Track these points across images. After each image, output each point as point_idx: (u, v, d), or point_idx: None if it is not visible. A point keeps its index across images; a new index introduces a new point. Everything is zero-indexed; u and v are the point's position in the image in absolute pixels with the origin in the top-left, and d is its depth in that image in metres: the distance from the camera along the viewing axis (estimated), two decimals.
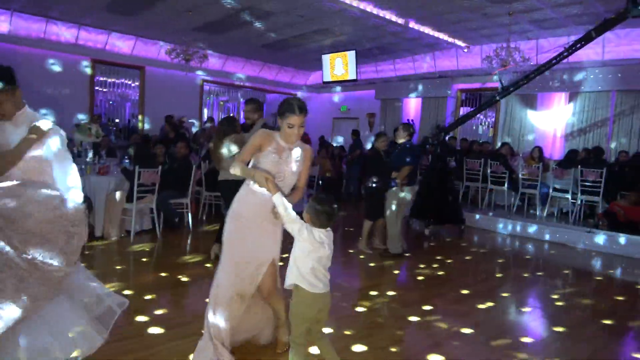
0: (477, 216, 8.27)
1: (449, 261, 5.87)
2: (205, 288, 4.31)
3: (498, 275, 5.51)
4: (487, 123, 12.12)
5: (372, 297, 4.35)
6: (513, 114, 10.78)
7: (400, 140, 5.82)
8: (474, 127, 12.36)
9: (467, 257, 6.22)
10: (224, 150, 4.74)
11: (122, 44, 10.86)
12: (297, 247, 2.47)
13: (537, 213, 8.32)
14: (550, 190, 8.03)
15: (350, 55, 10.87)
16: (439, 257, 6.02)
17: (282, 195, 2.49)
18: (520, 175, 8.35)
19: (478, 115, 11.98)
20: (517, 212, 8.49)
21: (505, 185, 8.56)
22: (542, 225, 7.54)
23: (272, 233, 2.76)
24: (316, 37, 10.16)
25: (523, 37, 9.12)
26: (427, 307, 4.16)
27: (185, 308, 3.94)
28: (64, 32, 9.91)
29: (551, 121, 10.34)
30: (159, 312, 3.70)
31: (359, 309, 4.01)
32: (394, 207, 5.70)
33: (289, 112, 2.58)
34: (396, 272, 5.40)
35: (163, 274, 4.73)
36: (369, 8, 7.99)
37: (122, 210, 5.99)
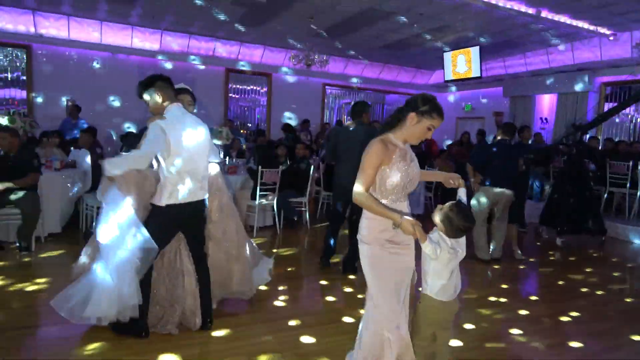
0: (623, 226, 7.26)
1: (580, 276, 5.25)
2: (320, 283, 4.48)
3: None
4: (636, 120, 10.55)
5: (488, 306, 4.08)
6: None
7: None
8: (627, 125, 10.83)
9: (607, 273, 5.48)
10: None
11: (252, 54, 11.70)
12: (435, 262, 2.35)
13: None
14: None
15: (474, 51, 10.31)
16: (570, 271, 5.41)
17: (430, 240, 2.28)
18: None
19: (630, 113, 10.54)
20: None
21: None
22: None
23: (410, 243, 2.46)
24: (437, 34, 9.84)
25: None
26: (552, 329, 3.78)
27: (299, 301, 4.12)
28: (203, 45, 11.02)
29: None
30: (275, 303, 3.92)
31: (468, 325, 3.79)
32: (476, 209, 5.34)
33: (437, 113, 2.31)
34: (513, 283, 4.99)
35: (281, 268, 5.00)
36: (494, 0, 7.50)
37: (246, 207, 6.47)
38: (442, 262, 2.34)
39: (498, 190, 5.30)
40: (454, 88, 13.86)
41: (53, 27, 9.57)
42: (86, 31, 9.87)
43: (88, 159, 6.31)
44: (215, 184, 3.45)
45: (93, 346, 2.96)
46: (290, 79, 12.43)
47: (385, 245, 2.34)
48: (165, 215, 2.96)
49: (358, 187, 2.29)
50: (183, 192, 2.96)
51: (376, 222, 2.32)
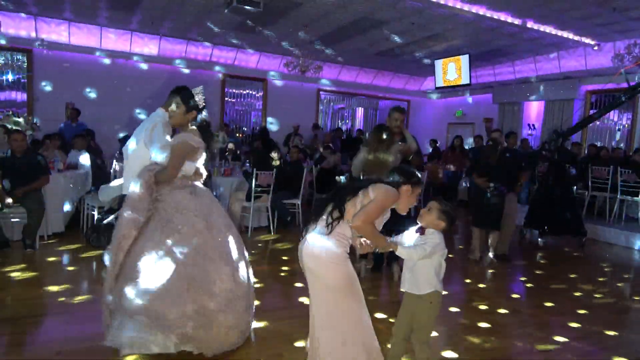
0: (603, 228, 7.58)
1: (560, 274, 5.53)
2: None
3: (624, 295, 5.02)
4: (620, 127, 10.90)
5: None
6: None
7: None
8: (610, 132, 11.18)
9: (585, 272, 5.77)
10: (391, 158, 4.72)
11: (248, 59, 11.99)
12: (435, 259, 2.51)
13: None
14: None
15: (464, 59, 10.64)
16: (549, 270, 5.71)
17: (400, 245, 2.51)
18: None
19: (614, 119, 10.92)
20: None
21: None
22: None
23: None
24: (428, 43, 10.16)
25: None
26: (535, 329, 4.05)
27: (291, 296, 4.38)
28: (200, 51, 11.29)
29: None
30: (267, 298, 4.18)
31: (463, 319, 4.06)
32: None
33: (420, 182, 2.60)
34: (494, 282, 5.27)
35: (274, 266, 5.26)
36: (482, 11, 7.83)
37: (242, 208, 6.72)
38: (443, 257, 2.54)
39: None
40: (448, 94, 14.20)
41: (54, 32, 9.81)
42: (86, 36, 10.12)
43: (86, 161, 6.56)
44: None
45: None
46: (286, 84, 12.72)
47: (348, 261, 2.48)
48: None
49: (368, 219, 2.36)
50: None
51: (345, 241, 2.44)
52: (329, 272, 2.39)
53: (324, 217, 2.45)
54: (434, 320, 2.61)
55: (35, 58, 9.95)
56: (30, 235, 5.16)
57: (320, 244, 2.40)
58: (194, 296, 2.78)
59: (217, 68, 11.82)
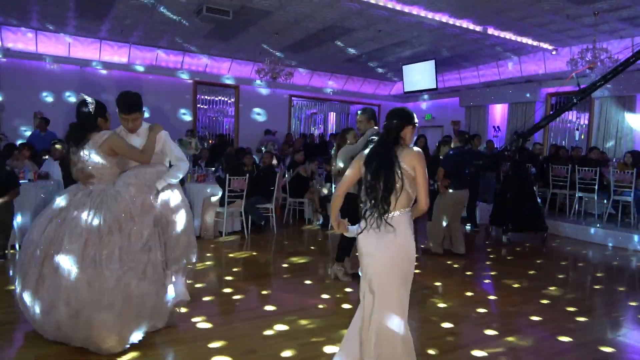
0: (563, 224, 7.97)
1: (522, 269, 5.82)
2: (285, 281, 4.87)
3: (584, 287, 5.31)
4: (579, 126, 11.43)
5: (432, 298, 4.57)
6: (608, 117, 10.12)
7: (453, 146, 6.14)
8: (570, 132, 11.71)
9: (548, 267, 6.09)
10: (339, 163, 4.84)
11: (220, 66, 12.06)
12: None
13: (632, 222, 7.78)
14: None
15: (430, 64, 10.99)
16: (511, 264, 6.00)
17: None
18: (612, 182, 7.88)
19: (573, 120, 11.45)
20: (610, 220, 8.01)
21: (596, 192, 8.12)
22: (637, 235, 7.08)
23: None
24: (396, 49, 10.46)
25: (615, 36, 8.63)
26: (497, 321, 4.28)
27: (265, 297, 4.51)
28: (172, 59, 11.31)
29: None
30: (241, 300, 4.29)
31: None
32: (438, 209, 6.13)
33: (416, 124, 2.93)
34: (460, 273, 5.52)
35: (248, 269, 5.37)
36: (445, 19, 8.15)
37: (215, 213, 6.81)
38: None
39: (457, 191, 6.09)
40: (425, 96, 14.56)
41: (20, 40, 9.69)
42: (54, 45, 10.01)
43: (59, 170, 6.53)
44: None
45: None
46: (258, 90, 12.84)
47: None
48: None
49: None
50: None
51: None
52: (408, 262, 2.55)
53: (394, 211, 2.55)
54: None
55: (1, 67, 9.79)
56: (0, 245, 5.14)
57: (405, 238, 2.54)
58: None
59: (188, 75, 11.85)
